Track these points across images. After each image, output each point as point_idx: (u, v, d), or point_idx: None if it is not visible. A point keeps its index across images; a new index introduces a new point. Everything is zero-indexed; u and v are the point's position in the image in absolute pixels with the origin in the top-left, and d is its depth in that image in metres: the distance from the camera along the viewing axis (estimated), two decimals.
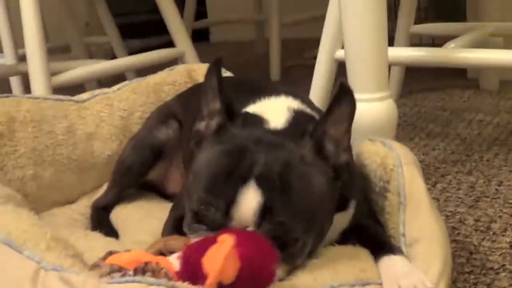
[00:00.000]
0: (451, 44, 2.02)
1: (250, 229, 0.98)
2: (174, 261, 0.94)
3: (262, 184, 0.99)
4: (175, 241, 1.04)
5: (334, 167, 1.09)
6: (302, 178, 1.03)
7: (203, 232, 1.01)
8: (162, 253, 1.01)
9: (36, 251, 0.95)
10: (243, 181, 0.99)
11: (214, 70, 1.09)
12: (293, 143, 1.06)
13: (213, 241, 0.90)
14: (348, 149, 1.12)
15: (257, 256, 0.90)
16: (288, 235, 1.00)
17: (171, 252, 1.01)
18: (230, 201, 0.98)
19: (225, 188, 1.00)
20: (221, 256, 0.85)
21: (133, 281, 0.82)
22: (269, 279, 0.91)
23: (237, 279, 0.87)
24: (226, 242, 0.88)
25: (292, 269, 1.03)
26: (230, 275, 0.86)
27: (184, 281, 0.88)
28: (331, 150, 1.09)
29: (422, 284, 0.98)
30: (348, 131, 1.09)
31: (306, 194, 1.03)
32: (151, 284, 0.82)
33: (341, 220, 1.17)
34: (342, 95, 1.04)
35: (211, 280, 0.85)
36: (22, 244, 0.96)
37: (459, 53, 1.85)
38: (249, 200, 0.98)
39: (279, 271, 0.97)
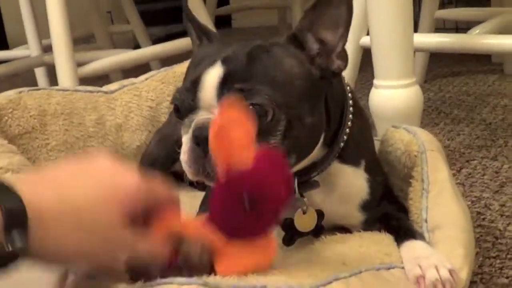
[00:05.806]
0: (476, 30, 2.02)
1: (215, 106, 1.00)
2: None
3: (227, 62, 1.02)
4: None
5: (323, 70, 1.08)
6: (269, 56, 1.05)
7: (182, 127, 1.04)
8: None
9: None
10: (211, 64, 1.03)
11: (187, 17, 1.21)
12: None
13: None
14: (343, 55, 1.08)
15: (273, 171, 0.90)
16: (251, 99, 0.98)
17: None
18: (196, 81, 1.02)
19: (194, 73, 1.05)
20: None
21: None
22: (286, 193, 0.92)
23: (258, 195, 0.88)
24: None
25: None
26: (239, 159, 0.88)
27: None
28: (313, 48, 1.08)
29: (441, 264, 0.98)
30: (343, 36, 1.07)
31: (273, 68, 1.03)
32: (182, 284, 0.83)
33: (355, 177, 1.19)
34: None
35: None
36: None
37: (484, 39, 1.84)
38: (211, 75, 1.02)
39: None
